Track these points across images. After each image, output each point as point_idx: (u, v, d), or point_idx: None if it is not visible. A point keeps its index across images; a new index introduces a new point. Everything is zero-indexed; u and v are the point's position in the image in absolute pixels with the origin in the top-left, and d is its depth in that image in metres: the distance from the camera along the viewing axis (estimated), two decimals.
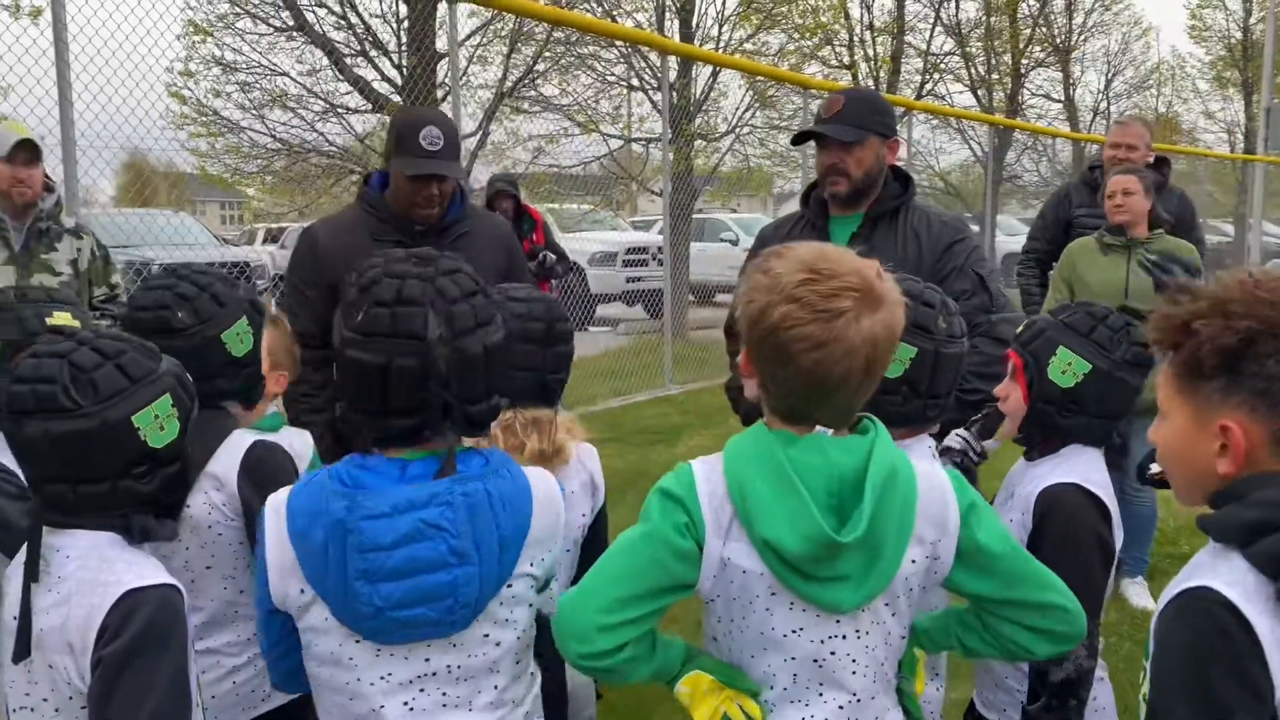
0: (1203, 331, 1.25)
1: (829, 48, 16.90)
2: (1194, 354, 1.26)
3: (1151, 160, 4.74)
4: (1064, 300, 3.98)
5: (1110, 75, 25.33)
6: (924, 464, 1.50)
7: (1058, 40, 22.61)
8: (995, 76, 20.96)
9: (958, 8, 19.85)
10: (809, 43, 15.76)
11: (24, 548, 1.52)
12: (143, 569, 1.52)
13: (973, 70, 20.55)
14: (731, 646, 1.48)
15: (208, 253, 10.34)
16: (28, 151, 3.59)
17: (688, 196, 12.18)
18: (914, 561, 1.44)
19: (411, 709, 1.49)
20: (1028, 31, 21.21)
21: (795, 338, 1.36)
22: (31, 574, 1.48)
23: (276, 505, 1.50)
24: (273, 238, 19.61)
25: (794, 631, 1.43)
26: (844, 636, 1.44)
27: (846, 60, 17.34)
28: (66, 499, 1.50)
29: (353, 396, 1.48)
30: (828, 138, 2.74)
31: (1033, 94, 22.87)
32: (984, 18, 20.29)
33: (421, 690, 1.49)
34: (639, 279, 14.27)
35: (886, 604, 1.45)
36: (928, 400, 1.89)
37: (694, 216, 13.45)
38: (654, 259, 14.04)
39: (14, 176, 3.56)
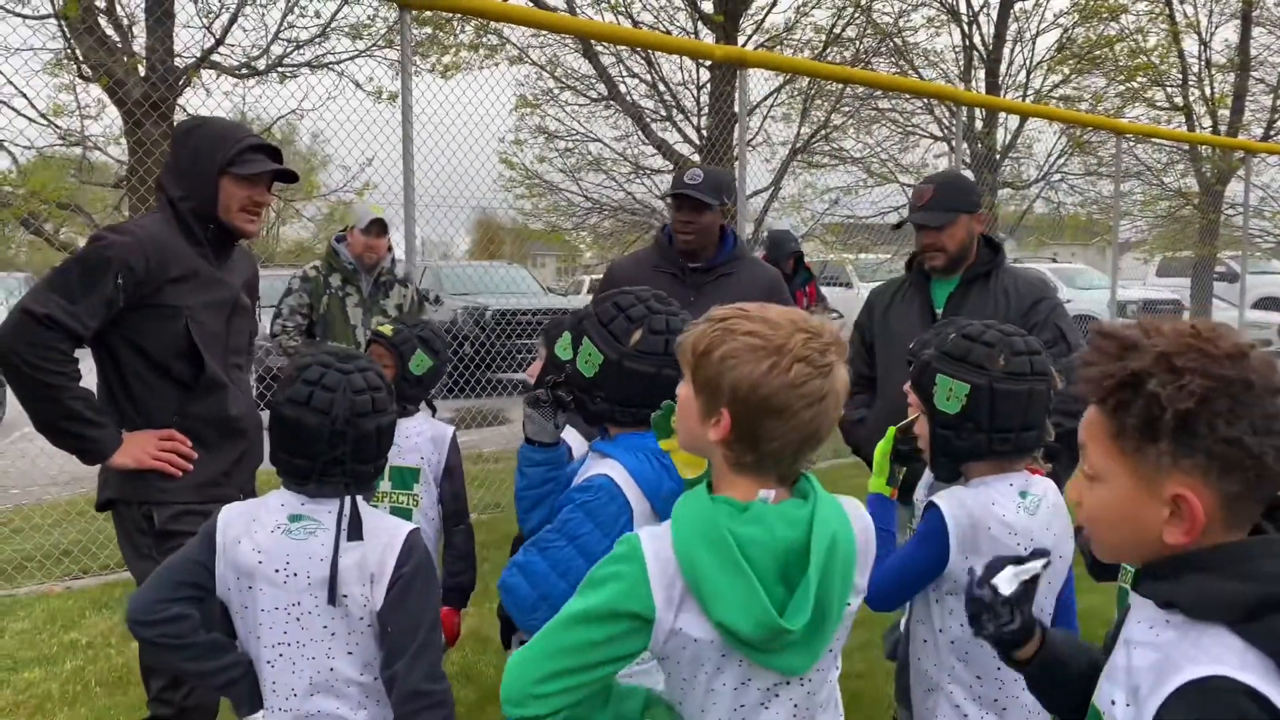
0: (1161, 393, 1.13)
1: (1158, 89, 15.79)
2: (1145, 415, 1.14)
3: None
4: None
5: None
6: (857, 506, 1.57)
7: None
8: None
9: None
10: (1135, 84, 14.88)
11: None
12: (395, 519, 2.04)
13: None
14: (684, 700, 1.55)
15: (533, 300, 11.56)
16: (379, 226, 4.77)
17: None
18: (849, 604, 1.53)
19: None
20: None
21: (804, 394, 1.42)
22: (357, 533, 1.90)
23: (622, 478, 1.97)
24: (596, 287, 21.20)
25: (743, 684, 1.50)
26: (788, 683, 1.51)
27: (1179, 101, 16.10)
28: (369, 474, 2.01)
29: (618, 391, 1.99)
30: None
31: None
32: None
33: None
34: None
35: (830, 649, 1.53)
36: (992, 434, 2.00)
37: None
38: None
39: (367, 244, 4.75)
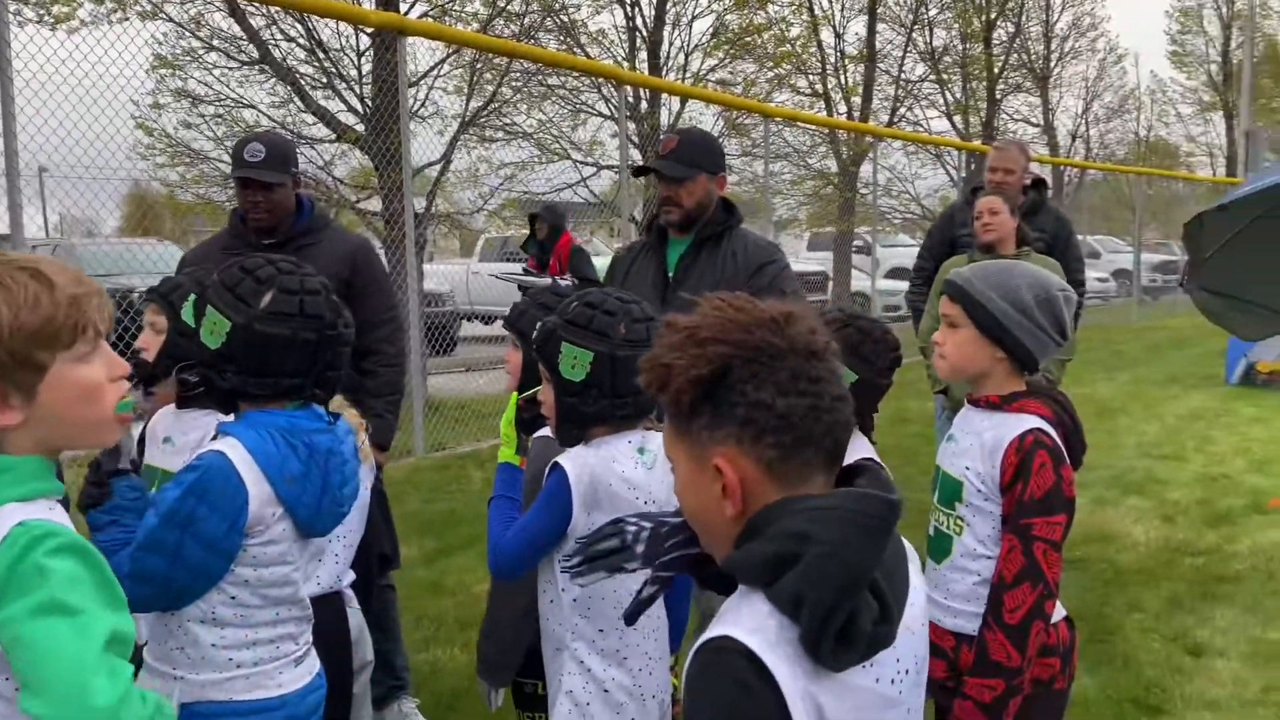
0: (675, 365, 1.15)
1: (801, 76, 17.19)
2: (675, 391, 1.16)
3: (1029, 182, 4.95)
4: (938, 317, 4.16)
5: (1089, 100, 25.71)
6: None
7: (1035, 66, 22.94)
8: (972, 102, 21.25)
9: (931, 35, 20.17)
10: (781, 71, 16.07)
11: None
12: None
13: (948, 96, 20.84)
14: None
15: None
16: None
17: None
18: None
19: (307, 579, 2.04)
20: (1003, 58, 21.54)
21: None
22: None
23: (239, 457, 1.81)
24: None
25: None
26: None
27: (819, 89, 17.62)
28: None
29: (249, 360, 1.86)
30: (662, 173, 3.19)
31: (1011, 119, 23.20)
32: (958, 44, 20.60)
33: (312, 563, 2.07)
34: None
35: None
36: (614, 399, 2.08)
37: None
38: None
39: None
